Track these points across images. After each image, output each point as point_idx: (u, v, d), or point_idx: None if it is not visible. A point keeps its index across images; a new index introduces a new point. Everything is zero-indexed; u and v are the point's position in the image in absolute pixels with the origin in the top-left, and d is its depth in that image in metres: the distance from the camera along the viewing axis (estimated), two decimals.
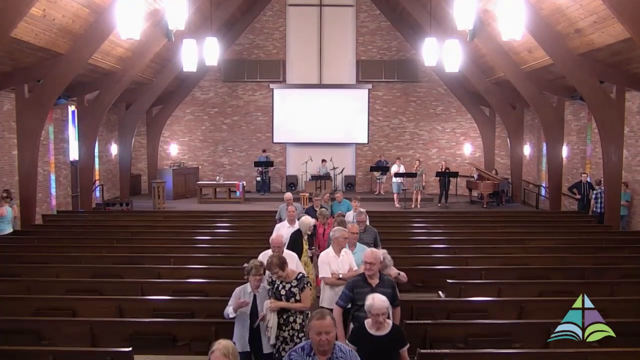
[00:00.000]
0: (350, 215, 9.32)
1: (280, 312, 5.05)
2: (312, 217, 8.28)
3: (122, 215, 13.90)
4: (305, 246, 7.55)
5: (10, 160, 12.63)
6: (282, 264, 5.16)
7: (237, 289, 5.15)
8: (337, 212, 10.07)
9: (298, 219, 8.08)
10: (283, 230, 8.02)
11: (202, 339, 5.31)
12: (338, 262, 5.98)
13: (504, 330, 5.45)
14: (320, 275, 6.04)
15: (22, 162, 12.21)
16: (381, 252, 5.46)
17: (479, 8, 13.00)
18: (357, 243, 6.48)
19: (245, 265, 5.21)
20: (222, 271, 7.81)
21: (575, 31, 11.12)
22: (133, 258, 8.60)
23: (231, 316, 5.05)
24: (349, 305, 5.14)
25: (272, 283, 5.17)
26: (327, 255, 6.04)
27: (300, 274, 5.24)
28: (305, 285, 5.14)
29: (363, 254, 6.12)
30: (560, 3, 10.71)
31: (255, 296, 5.09)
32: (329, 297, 5.85)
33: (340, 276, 5.83)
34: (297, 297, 5.11)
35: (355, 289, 5.01)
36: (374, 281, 5.04)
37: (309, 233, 7.66)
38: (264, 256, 6.00)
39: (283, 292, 5.11)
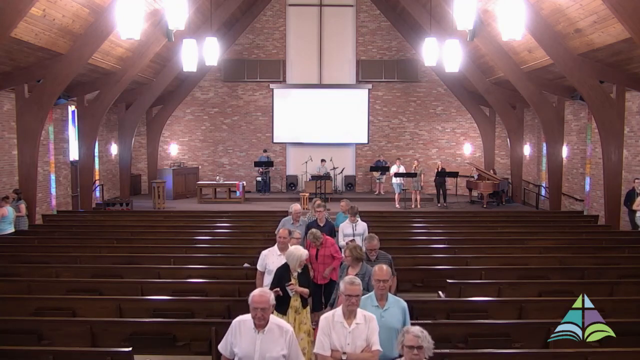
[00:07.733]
0: (347, 227, 8.04)
1: None
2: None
3: (122, 215, 13.90)
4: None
5: (10, 160, 12.63)
6: None
7: None
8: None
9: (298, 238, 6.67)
10: (271, 260, 6.17)
11: (202, 339, 5.30)
12: (346, 333, 3.98)
13: (504, 330, 5.44)
14: (314, 350, 4.15)
15: (22, 162, 12.26)
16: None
17: (479, 8, 13.01)
18: (390, 295, 4.51)
19: None
20: (222, 271, 7.81)
21: (575, 31, 11.12)
22: (133, 258, 8.60)
23: None
24: None
25: None
26: (329, 321, 4.03)
27: None
28: None
29: (400, 310, 4.43)
30: (560, 3, 10.71)
31: None
32: None
33: (344, 358, 3.95)
34: None
35: None
36: None
37: (299, 271, 5.50)
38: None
39: None
